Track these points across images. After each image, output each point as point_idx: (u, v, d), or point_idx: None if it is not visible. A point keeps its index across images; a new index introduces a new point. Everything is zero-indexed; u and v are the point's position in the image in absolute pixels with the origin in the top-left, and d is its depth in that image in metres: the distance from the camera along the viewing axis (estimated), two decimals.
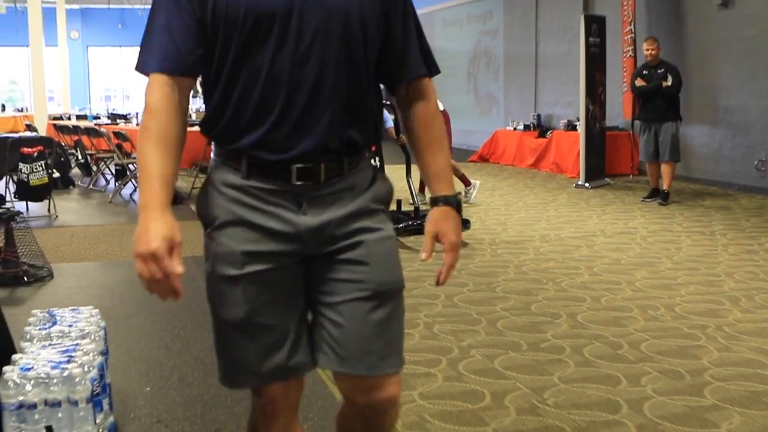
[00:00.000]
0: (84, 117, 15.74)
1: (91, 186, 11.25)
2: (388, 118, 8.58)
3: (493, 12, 15.88)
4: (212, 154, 1.89)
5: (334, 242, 1.83)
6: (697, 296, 5.05)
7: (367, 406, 1.90)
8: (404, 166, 8.12)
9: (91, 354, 2.86)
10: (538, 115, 14.02)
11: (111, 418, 2.93)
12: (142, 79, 1.77)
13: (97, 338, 3.13)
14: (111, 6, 22.57)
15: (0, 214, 5.66)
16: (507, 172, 12.52)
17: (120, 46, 24.76)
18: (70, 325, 3.19)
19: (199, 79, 1.83)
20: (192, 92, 1.82)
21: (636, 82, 9.04)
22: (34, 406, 2.63)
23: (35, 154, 8.23)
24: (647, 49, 8.98)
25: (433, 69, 1.95)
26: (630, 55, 10.94)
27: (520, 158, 13.39)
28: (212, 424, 3.17)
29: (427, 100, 1.94)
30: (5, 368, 2.69)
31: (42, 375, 2.65)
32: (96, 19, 24.20)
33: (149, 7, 1.82)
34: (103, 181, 11.62)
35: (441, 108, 9.35)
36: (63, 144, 11.81)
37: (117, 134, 10.56)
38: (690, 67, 10.35)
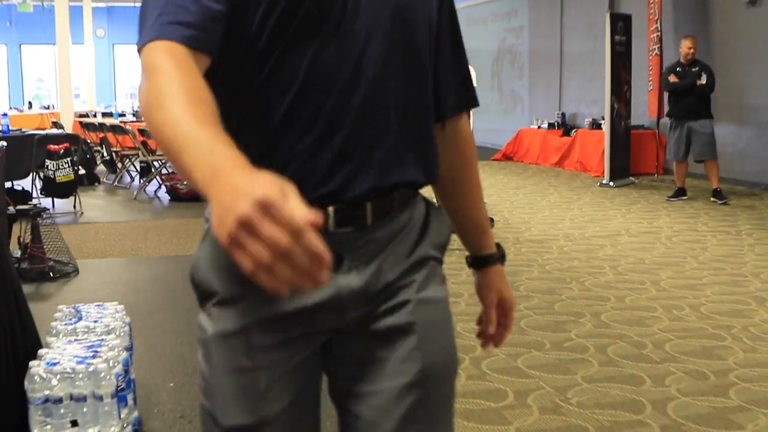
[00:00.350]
0: (109, 114, 15.86)
1: (116, 183, 11.34)
2: None
3: (518, 10, 15.82)
4: None
5: (373, 305, 1.33)
6: (723, 296, 5.01)
7: None
8: None
9: (116, 349, 2.89)
10: (563, 114, 13.95)
11: (135, 413, 2.96)
12: None
13: (122, 334, 3.15)
14: (137, 4, 22.48)
15: (27, 210, 5.73)
16: (531, 171, 12.47)
17: None
18: (95, 321, 3.22)
19: None
20: None
21: (669, 78, 8.96)
22: (59, 400, 2.66)
23: (61, 151, 8.31)
24: (688, 47, 8.91)
25: (473, 100, 1.49)
26: (656, 54, 10.85)
27: (544, 157, 13.33)
28: None
29: (466, 136, 1.50)
30: (32, 363, 2.72)
31: (68, 370, 2.68)
32: (122, 17, 24.34)
33: None
34: (128, 178, 11.71)
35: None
36: (89, 141, 11.93)
37: (142, 131, 10.63)
38: (717, 66, 10.23)
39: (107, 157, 11.51)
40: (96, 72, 22.00)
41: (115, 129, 11.54)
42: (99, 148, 11.73)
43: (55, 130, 11.54)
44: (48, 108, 19.98)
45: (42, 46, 23.07)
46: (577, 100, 13.90)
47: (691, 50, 8.89)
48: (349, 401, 1.35)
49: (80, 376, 2.68)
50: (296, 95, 1.23)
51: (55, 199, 8.74)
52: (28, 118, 17.41)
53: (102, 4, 23.91)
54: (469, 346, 4.03)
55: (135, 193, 10.26)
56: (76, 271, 5.76)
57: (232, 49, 1.22)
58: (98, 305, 3.47)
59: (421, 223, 1.38)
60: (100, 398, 2.70)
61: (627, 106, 10.93)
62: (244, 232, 0.82)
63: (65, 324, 3.19)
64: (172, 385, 3.58)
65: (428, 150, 1.37)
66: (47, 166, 8.28)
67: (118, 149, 11.55)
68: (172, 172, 9.78)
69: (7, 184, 7.35)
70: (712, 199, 8.83)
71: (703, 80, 8.72)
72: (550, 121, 13.81)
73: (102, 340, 2.99)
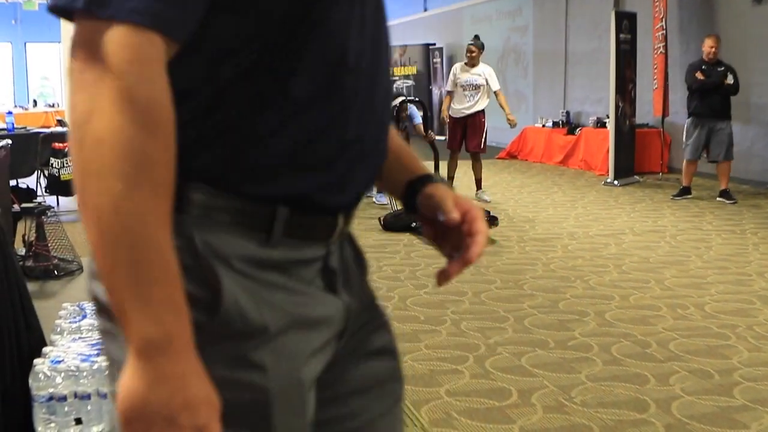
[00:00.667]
0: None
1: None
2: (417, 115, 8.58)
3: (522, 8, 15.80)
4: (191, 205, 1.00)
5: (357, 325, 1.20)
6: (727, 295, 5.00)
7: None
8: (432, 162, 8.11)
9: None
10: (567, 112, 13.93)
11: None
12: None
13: None
14: None
15: (31, 208, 5.74)
16: (535, 170, 12.46)
17: None
18: None
19: None
20: None
21: (696, 74, 8.90)
22: (64, 398, 2.66)
23: (66, 149, 8.31)
24: (710, 46, 8.85)
25: None
26: (661, 52, 10.82)
27: (548, 155, 13.31)
28: None
29: None
30: (36, 361, 2.72)
31: (72, 368, 2.68)
32: None
33: None
34: None
35: (497, 87, 9.41)
36: None
37: None
38: None
39: None
40: None
41: None
42: None
43: (60, 128, 11.55)
44: (53, 106, 19.99)
45: (47, 44, 23.08)
46: (581, 98, 13.88)
47: (713, 49, 8.81)
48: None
49: (84, 374, 2.68)
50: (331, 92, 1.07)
51: (59, 197, 8.73)
52: (33, 116, 17.43)
53: None
54: (472, 344, 4.03)
55: None
56: (81, 269, 5.76)
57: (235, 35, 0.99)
58: None
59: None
60: (105, 396, 2.70)
61: (632, 104, 10.91)
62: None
63: (70, 322, 3.20)
64: None
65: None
66: (52, 164, 8.28)
67: None
68: None
69: (12, 182, 7.37)
70: (719, 198, 8.81)
71: (730, 80, 8.70)
72: (555, 120, 13.78)
73: None
